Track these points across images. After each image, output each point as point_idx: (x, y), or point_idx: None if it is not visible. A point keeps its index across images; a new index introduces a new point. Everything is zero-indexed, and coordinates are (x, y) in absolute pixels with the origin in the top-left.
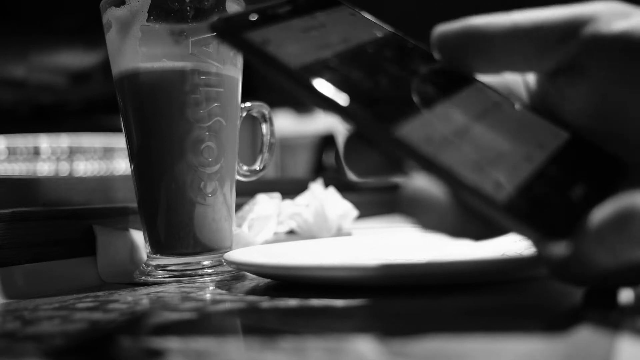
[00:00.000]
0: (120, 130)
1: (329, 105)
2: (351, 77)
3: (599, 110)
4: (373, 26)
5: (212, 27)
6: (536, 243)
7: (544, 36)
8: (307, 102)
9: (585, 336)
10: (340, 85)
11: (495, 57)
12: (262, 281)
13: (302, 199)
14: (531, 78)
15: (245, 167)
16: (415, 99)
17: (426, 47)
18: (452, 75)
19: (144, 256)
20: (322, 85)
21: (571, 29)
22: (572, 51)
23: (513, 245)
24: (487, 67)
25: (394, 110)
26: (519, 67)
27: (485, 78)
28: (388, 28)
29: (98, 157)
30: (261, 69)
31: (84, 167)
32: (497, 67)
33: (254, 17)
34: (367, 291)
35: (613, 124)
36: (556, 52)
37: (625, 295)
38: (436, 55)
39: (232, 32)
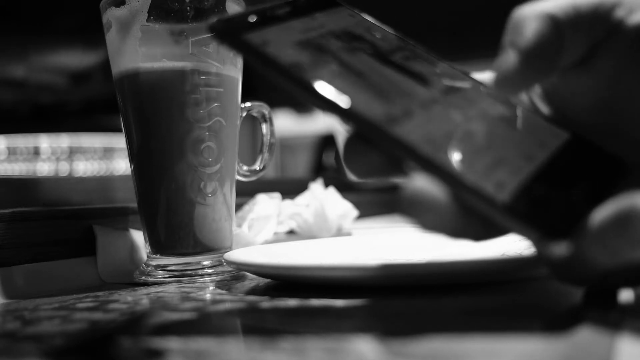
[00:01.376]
0: (120, 130)
1: (328, 106)
2: (350, 78)
3: (605, 103)
4: (372, 27)
5: (211, 28)
6: (536, 243)
7: (577, 24)
8: (307, 102)
9: (585, 336)
10: (339, 86)
11: (549, 64)
12: (262, 281)
13: (302, 199)
14: None
15: (245, 167)
16: (415, 99)
17: (424, 47)
18: (453, 75)
19: (144, 256)
20: (322, 87)
21: (598, 15)
22: (598, 37)
23: (513, 245)
24: (542, 77)
25: (394, 110)
26: (561, 62)
27: (484, 77)
28: (387, 29)
29: (98, 157)
30: (260, 70)
31: (84, 167)
32: (549, 73)
33: (253, 19)
34: (367, 291)
35: (618, 119)
36: (586, 39)
37: (625, 295)
38: (496, 90)
39: (231, 33)
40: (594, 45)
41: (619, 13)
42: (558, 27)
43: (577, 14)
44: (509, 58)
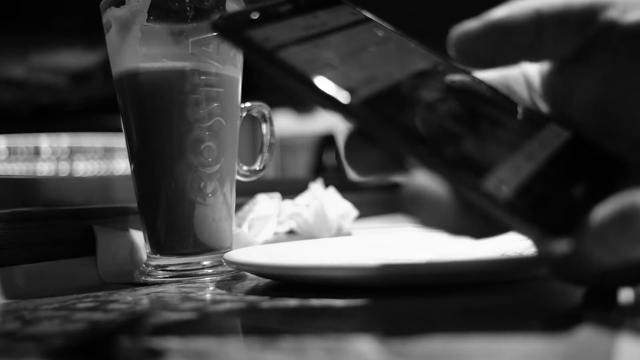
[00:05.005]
0: (120, 130)
1: (330, 102)
2: (352, 75)
3: (603, 103)
4: (374, 25)
5: (213, 25)
6: (537, 241)
7: (566, 22)
8: (308, 100)
9: (585, 336)
10: (341, 83)
11: (518, 48)
12: (262, 281)
13: (302, 199)
14: (534, 75)
15: (245, 167)
16: (416, 97)
17: (427, 46)
18: (454, 72)
19: (144, 256)
20: (323, 83)
21: (590, 14)
22: (589, 37)
23: (513, 245)
24: (508, 60)
25: (395, 107)
26: (540, 55)
27: (486, 76)
28: (389, 27)
29: (98, 157)
30: (262, 67)
31: (84, 167)
32: (517, 58)
33: (255, 16)
34: (367, 291)
35: (614, 118)
36: (575, 37)
37: (625, 295)
38: (453, 54)
39: (233, 30)
40: (588, 43)
41: (612, 13)
42: (539, 18)
43: (568, 11)
44: (472, 22)
